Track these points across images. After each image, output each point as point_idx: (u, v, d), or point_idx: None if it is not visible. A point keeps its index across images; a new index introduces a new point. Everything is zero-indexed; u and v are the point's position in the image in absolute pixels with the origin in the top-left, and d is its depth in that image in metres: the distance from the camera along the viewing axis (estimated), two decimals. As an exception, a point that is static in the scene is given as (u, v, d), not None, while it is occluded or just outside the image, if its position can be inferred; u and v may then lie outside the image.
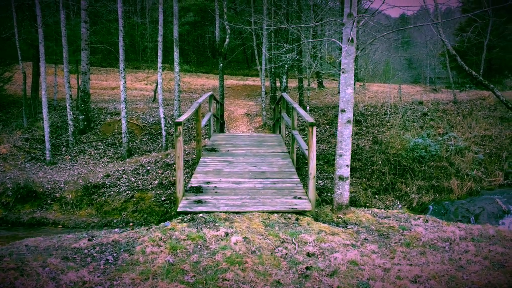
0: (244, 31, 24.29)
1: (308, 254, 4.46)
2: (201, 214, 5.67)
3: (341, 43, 6.16)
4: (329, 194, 11.26)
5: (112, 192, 11.10)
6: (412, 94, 21.22)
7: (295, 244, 4.68)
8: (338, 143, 6.45)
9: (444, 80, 32.28)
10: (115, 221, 10.36)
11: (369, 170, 12.33)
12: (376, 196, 11.71)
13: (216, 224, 5.15)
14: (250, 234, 4.83)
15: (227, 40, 16.19)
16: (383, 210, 6.77)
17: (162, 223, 5.40)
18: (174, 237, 4.69)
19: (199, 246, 4.50)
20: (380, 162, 12.59)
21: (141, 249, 4.29)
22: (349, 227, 5.62)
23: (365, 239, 5.06)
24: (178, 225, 5.04)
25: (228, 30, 16.17)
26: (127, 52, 31.88)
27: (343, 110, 6.32)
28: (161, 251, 4.27)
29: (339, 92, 18.55)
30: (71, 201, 10.90)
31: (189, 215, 5.70)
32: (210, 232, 4.81)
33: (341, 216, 6.17)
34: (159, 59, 14.59)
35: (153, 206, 10.61)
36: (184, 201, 6.32)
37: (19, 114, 17.46)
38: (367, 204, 11.19)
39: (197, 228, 4.99)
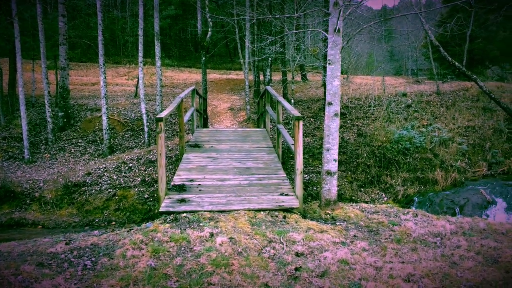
0: (227, 24, 24.00)
1: (297, 254, 4.29)
2: (184, 214, 5.44)
3: (327, 33, 5.96)
4: (315, 188, 11.18)
5: (93, 191, 10.83)
6: (395, 86, 21.26)
7: (283, 244, 4.50)
8: (325, 137, 6.27)
9: (426, 71, 32.47)
10: (97, 220, 10.11)
11: (354, 163, 12.28)
12: (362, 189, 11.67)
13: (201, 224, 4.94)
14: (236, 234, 4.62)
15: (209, 33, 15.90)
16: (371, 205, 6.63)
17: (143, 224, 5.15)
18: (156, 239, 4.47)
19: (182, 248, 4.27)
20: (365, 155, 12.55)
21: (122, 253, 4.05)
22: (338, 223, 5.46)
23: (354, 236, 4.92)
24: (161, 226, 4.79)
25: (210, 23, 15.88)
26: (107, 47, 31.27)
27: (330, 103, 6.15)
28: (143, 255, 4.03)
29: (323, 85, 18.41)
30: (51, 201, 10.59)
31: (172, 215, 5.46)
32: (194, 233, 4.59)
33: (329, 212, 6.02)
34: (140, 54, 14.24)
35: (136, 204, 10.38)
36: (166, 200, 6.09)
37: (-5, 111, 16.92)
38: (353, 198, 11.14)
39: (180, 229, 4.76)
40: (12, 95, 17.23)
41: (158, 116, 5.99)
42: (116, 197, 10.56)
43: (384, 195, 11.47)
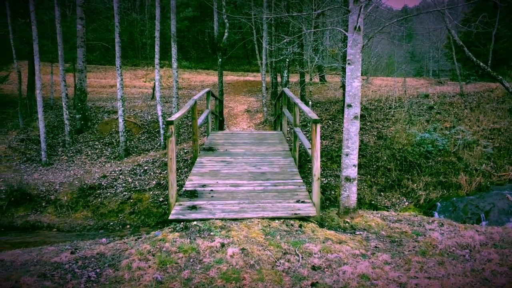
0: (244, 26, 23.85)
1: (314, 268, 3.98)
2: (195, 222, 5.19)
3: (347, 32, 5.65)
4: (333, 192, 10.87)
5: (108, 194, 10.75)
6: (417, 87, 20.74)
7: (298, 256, 4.20)
8: (344, 141, 5.93)
9: (448, 72, 31.75)
10: (111, 223, 10.02)
11: (374, 166, 11.91)
12: (382, 193, 11.32)
13: (211, 233, 4.69)
14: (248, 244, 4.35)
15: (225, 34, 15.73)
16: (393, 212, 6.23)
17: (152, 232, 4.90)
18: (164, 249, 4.24)
19: (191, 260, 4.02)
20: (385, 158, 12.17)
21: (127, 264, 3.83)
22: (357, 233, 5.12)
23: (375, 247, 4.58)
24: (170, 235, 4.54)
25: (227, 24, 15.71)
26: (126, 49, 31.52)
27: (349, 105, 5.83)
28: (149, 266, 3.79)
29: (341, 87, 18.06)
30: (66, 204, 10.55)
31: (182, 223, 5.23)
32: (204, 243, 4.34)
33: (348, 220, 5.69)
34: (157, 56, 14.15)
35: (150, 208, 10.26)
36: (177, 207, 5.84)
37: (15, 114, 17.08)
38: (372, 202, 10.80)
39: (190, 238, 4.52)
40: (30, 98, 17.39)
41: (168, 119, 5.77)
42: (131, 200, 10.46)
43: (405, 200, 11.10)
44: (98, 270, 3.78)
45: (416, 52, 40.32)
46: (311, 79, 15.31)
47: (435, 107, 16.07)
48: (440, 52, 28.53)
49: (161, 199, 10.32)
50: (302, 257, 4.14)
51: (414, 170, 11.82)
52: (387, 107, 16.55)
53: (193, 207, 5.77)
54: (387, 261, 4.08)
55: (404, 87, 19.35)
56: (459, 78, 18.33)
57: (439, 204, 10.82)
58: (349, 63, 5.64)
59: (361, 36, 5.48)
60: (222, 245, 4.29)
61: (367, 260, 4.14)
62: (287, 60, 16.45)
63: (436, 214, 10.61)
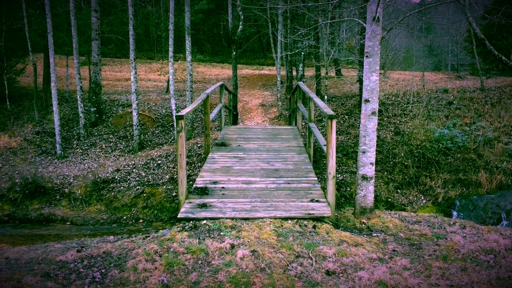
0: (259, 18, 23.58)
1: (328, 272, 3.77)
2: (204, 221, 5.02)
3: (365, 23, 5.37)
4: (348, 189, 10.64)
5: (122, 188, 10.73)
6: (435, 82, 20.24)
7: (312, 259, 4.00)
8: (361, 138, 5.69)
9: (467, 67, 31.04)
10: (124, 217, 9.99)
11: (391, 163, 11.63)
12: (399, 190, 11.06)
13: (221, 234, 4.53)
14: (259, 246, 4.18)
15: (240, 27, 15.52)
16: (412, 213, 5.94)
17: (161, 231, 4.74)
18: (171, 249, 4.08)
19: (199, 262, 3.88)
20: (402, 155, 11.88)
21: (133, 265, 3.68)
22: (374, 235, 4.90)
23: (393, 250, 4.36)
24: (178, 235, 4.41)
25: (242, 17, 15.49)
26: (141, 42, 31.52)
27: (367, 100, 5.56)
28: (155, 268, 3.63)
29: (358, 81, 17.70)
30: (80, 197, 10.57)
31: (191, 222, 5.05)
32: (213, 244, 4.18)
33: (364, 221, 5.44)
34: (170, 48, 14.01)
35: (163, 202, 10.21)
36: (186, 205, 5.67)
37: (31, 106, 17.19)
38: (389, 199, 10.55)
39: (199, 238, 4.37)
40: (46, 91, 17.46)
41: (178, 114, 5.59)
42: (144, 195, 10.42)
43: (422, 198, 10.82)
44: (103, 271, 3.64)
45: (434, 46, 39.51)
46: (326, 73, 15.02)
47: (454, 102, 15.64)
48: (459, 46, 27.85)
49: (174, 194, 10.25)
50: (315, 261, 3.94)
51: (433, 167, 11.51)
52: (404, 102, 16.17)
53: (203, 205, 5.61)
54: (406, 266, 3.83)
55: (423, 81, 18.89)
56: (480, 73, 17.80)
57: (458, 202, 10.52)
58: (367, 56, 5.37)
59: (380, 27, 5.20)
60: (232, 246, 4.11)
61: (384, 265, 3.93)
62: (303, 53, 16.17)
63: (454, 212, 10.31)
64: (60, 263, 3.76)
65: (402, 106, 15.73)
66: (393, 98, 16.82)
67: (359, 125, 14.78)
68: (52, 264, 3.71)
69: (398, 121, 14.32)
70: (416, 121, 13.85)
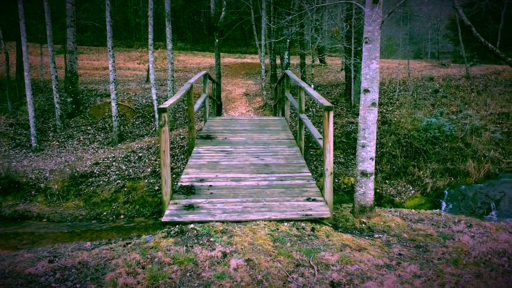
0: (242, 5, 23.03)
1: (333, 284, 3.38)
2: (192, 225, 4.57)
3: (363, 6, 4.99)
4: (336, 180, 10.41)
5: (101, 182, 10.27)
6: (420, 70, 20.13)
7: (313, 268, 3.61)
8: (360, 131, 5.35)
9: (448, 54, 31.09)
10: (104, 213, 9.57)
11: (379, 153, 11.42)
12: (387, 181, 10.89)
13: (211, 239, 4.10)
14: (254, 254, 3.78)
15: (222, 13, 15.01)
16: (413, 211, 5.60)
17: (143, 237, 4.23)
18: (156, 259, 3.64)
19: (188, 274, 3.44)
20: (390, 144, 11.70)
21: (112, 279, 3.20)
22: (376, 236, 4.60)
23: (399, 254, 4.02)
24: (163, 242, 3.97)
25: (224, 3, 14.97)
26: (119, 30, 30.58)
27: (366, 90, 5.19)
28: (138, 283, 3.20)
29: (343, 69, 17.34)
30: (57, 192, 10.08)
31: (177, 226, 4.60)
32: (203, 252, 3.75)
33: (364, 220, 5.10)
34: (150, 36, 13.43)
35: (145, 197, 9.81)
36: (171, 206, 5.20)
37: (3, 97, 16.36)
38: (377, 190, 10.34)
39: (186, 245, 3.93)
40: (19, 80, 16.66)
41: (161, 106, 5.10)
42: (125, 189, 10.01)
43: (411, 188, 10.66)
44: (78, 286, 3.17)
45: (414, 34, 39.54)
46: (313, 61, 14.67)
47: (440, 90, 15.52)
48: (440, 33, 27.81)
49: (156, 188, 9.85)
50: (318, 270, 3.58)
51: (420, 156, 11.36)
52: (391, 90, 15.98)
53: (190, 207, 5.15)
54: (416, 273, 3.47)
55: (408, 69, 18.74)
56: (465, 60, 17.71)
57: (446, 192, 10.39)
58: (366, 42, 4.97)
59: (381, 10, 4.80)
60: (224, 254, 3.71)
61: (393, 272, 3.60)
62: (288, 40, 15.76)
63: (443, 202, 10.19)
64: (30, 276, 3.26)
65: (389, 95, 15.54)
66: (380, 86, 16.63)
67: (345, 115, 14.55)
68: (20, 278, 3.22)
69: (384, 110, 14.12)
70: (403, 110, 13.68)
